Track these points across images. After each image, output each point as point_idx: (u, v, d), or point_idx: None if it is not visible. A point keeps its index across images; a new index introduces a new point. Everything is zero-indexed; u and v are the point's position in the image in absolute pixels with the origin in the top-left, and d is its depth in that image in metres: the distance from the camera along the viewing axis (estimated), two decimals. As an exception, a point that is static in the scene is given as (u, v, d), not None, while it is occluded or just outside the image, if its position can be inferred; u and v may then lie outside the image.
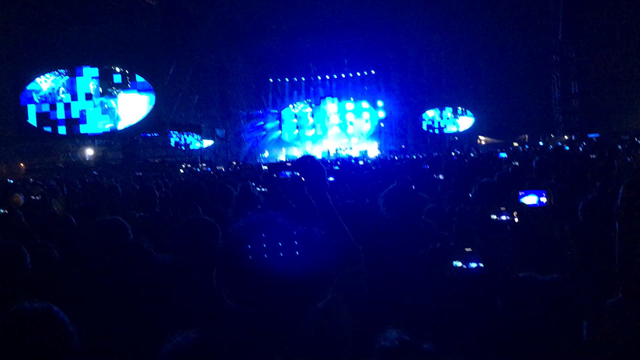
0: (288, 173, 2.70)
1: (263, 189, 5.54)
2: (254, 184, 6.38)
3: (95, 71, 32.08)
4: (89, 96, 31.90)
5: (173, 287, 2.73)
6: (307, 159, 2.45)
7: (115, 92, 31.79)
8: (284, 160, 32.01)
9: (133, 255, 3.02)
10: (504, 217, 3.18)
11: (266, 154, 44.07)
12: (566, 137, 30.67)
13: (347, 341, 1.95)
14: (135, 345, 2.52)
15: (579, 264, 2.78)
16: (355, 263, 2.28)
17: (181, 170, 20.74)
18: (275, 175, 2.51)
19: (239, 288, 1.83)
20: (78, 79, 32.13)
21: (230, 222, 2.01)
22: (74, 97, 32.04)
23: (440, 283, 2.63)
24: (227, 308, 1.91)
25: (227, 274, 1.87)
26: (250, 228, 1.86)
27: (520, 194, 3.84)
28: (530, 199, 3.77)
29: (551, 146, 20.55)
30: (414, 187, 4.92)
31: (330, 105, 46.09)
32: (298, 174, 2.49)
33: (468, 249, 2.51)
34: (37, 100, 32.18)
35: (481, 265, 2.47)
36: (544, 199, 3.77)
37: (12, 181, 16.19)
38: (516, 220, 3.16)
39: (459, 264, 2.48)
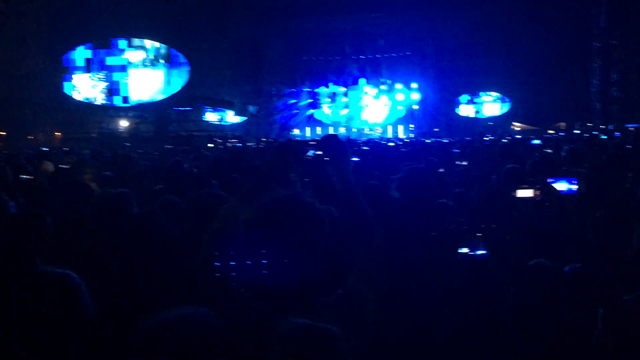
0: (311, 152, 2.66)
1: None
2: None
3: (130, 44, 32.33)
4: (123, 68, 32.20)
5: (182, 260, 2.71)
6: (331, 138, 2.42)
7: (150, 65, 32.03)
8: (309, 138, 31.99)
9: (141, 227, 3.01)
10: (524, 194, 3.11)
11: (297, 132, 44.04)
12: (603, 127, 29.98)
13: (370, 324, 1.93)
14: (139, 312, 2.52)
15: (600, 255, 2.69)
16: (374, 243, 2.25)
17: (210, 145, 20.82)
18: (300, 153, 2.48)
19: (261, 267, 1.80)
20: (114, 50, 32.43)
21: (257, 196, 1.98)
22: (109, 69, 32.38)
23: (448, 267, 2.59)
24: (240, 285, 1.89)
25: (248, 249, 1.83)
26: (277, 205, 1.83)
27: (549, 180, 3.75)
28: (560, 186, 3.67)
29: (587, 135, 20.12)
30: (439, 170, 4.84)
31: (364, 86, 45.78)
32: (321, 152, 2.45)
33: (477, 235, 2.47)
34: (72, 72, 32.61)
35: (485, 252, 2.43)
36: (574, 187, 3.67)
37: (46, 149, 16.47)
38: (538, 198, 3.09)
39: (465, 250, 2.44)
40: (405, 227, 3.24)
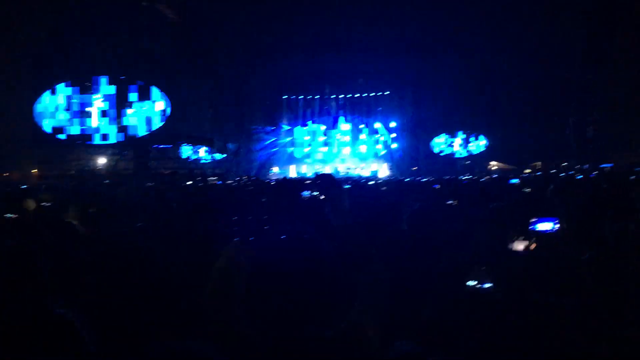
0: (307, 192, 2.71)
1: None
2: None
3: (111, 81, 32.34)
4: (104, 106, 32.15)
5: (181, 295, 2.71)
6: (329, 179, 2.46)
7: (130, 103, 32.01)
8: (300, 177, 32.19)
9: (139, 262, 3.00)
10: (520, 246, 3.21)
11: (276, 170, 44.14)
12: (579, 166, 30.50)
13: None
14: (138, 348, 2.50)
15: (594, 291, 2.75)
16: (374, 269, 2.28)
17: (189, 182, 20.75)
18: (296, 192, 2.52)
19: (266, 301, 1.81)
20: (94, 88, 32.39)
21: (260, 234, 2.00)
22: (89, 107, 32.30)
23: (455, 300, 2.63)
24: (245, 322, 1.90)
25: (255, 288, 1.84)
26: (283, 242, 1.85)
27: (532, 221, 3.86)
28: (544, 226, 3.79)
29: (563, 174, 20.44)
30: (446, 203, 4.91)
31: (343, 125, 46.21)
32: (317, 192, 2.50)
33: (482, 269, 2.53)
34: (53, 109, 32.44)
35: (492, 285, 2.49)
36: (557, 226, 3.79)
37: (25, 186, 16.28)
38: (532, 247, 3.19)
39: (473, 282, 2.50)
40: (413, 262, 3.29)
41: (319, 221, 2.76)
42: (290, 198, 2.62)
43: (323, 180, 2.45)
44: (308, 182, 2.59)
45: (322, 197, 2.44)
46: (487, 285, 2.50)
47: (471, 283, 2.51)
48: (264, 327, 1.78)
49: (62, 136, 32.22)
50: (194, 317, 2.48)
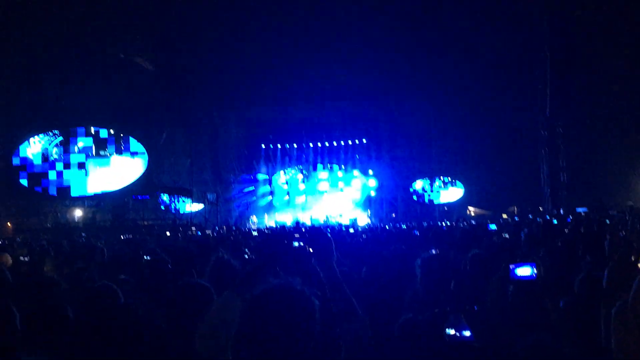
0: (296, 243, 2.75)
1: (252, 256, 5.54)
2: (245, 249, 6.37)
3: (88, 132, 32.32)
4: (81, 157, 32.03)
5: (168, 350, 2.71)
6: (318, 231, 2.51)
7: (107, 154, 31.96)
8: (286, 226, 32.04)
9: (126, 318, 3.01)
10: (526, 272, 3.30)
11: (255, 219, 44.00)
12: (554, 211, 30.90)
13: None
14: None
15: (570, 336, 2.80)
16: (361, 332, 2.31)
17: (168, 234, 20.60)
18: (285, 243, 2.55)
19: (257, 353, 1.83)
20: (71, 139, 32.32)
21: (246, 286, 2.03)
22: (67, 159, 32.14)
23: (436, 350, 2.66)
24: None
25: (245, 339, 1.86)
26: (272, 293, 1.89)
27: (511, 266, 3.92)
28: (524, 271, 3.84)
29: (539, 219, 20.70)
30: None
31: (321, 173, 46.41)
32: (305, 244, 2.54)
33: (461, 317, 2.57)
34: (28, 161, 32.23)
35: (470, 334, 2.53)
36: (535, 271, 3.85)
37: (1, 241, 16.05)
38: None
39: (452, 331, 2.54)
40: (397, 310, 3.33)
41: (307, 273, 2.79)
42: (278, 249, 2.66)
43: (310, 232, 2.50)
44: (296, 234, 2.64)
45: (310, 249, 2.49)
46: (465, 333, 2.54)
47: (450, 332, 2.54)
48: None
49: (38, 188, 31.93)
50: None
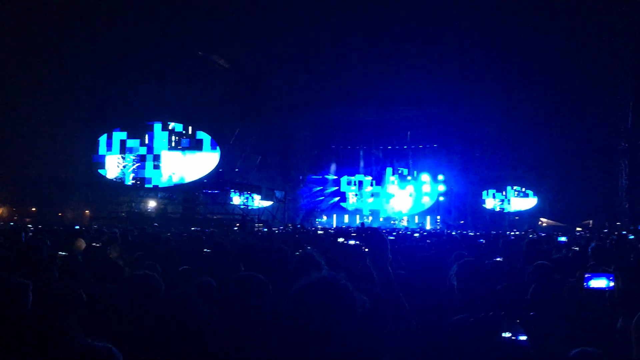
0: (352, 242, 2.75)
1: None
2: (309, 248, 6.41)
3: (164, 127, 33.30)
4: (156, 150, 33.05)
5: (219, 343, 2.74)
6: (374, 232, 2.50)
7: (181, 148, 32.84)
8: (349, 227, 32.17)
9: (176, 308, 3.06)
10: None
11: (324, 219, 44.26)
12: (632, 227, 29.58)
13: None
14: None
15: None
16: (409, 334, 2.29)
17: (235, 229, 20.94)
18: (340, 241, 2.56)
19: (299, 345, 1.84)
20: (148, 133, 33.40)
21: (291, 281, 2.05)
22: (142, 152, 33.25)
23: (487, 353, 2.60)
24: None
25: (289, 333, 1.88)
26: (315, 287, 1.90)
27: (586, 276, 3.77)
28: (598, 282, 3.70)
29: (616, 233, 19.85)
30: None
31: (390, 176, 46.21)
32: (361, 243, 2.54)
33: (517, 322, 2.52)
34: (107, 153, 33.53)
35: (526, 338, 2.47)
36: (612, 283, 3.70)
37: (77, 227, 16.75)
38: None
39: (508, 334, 2.49)
40: (447, 313, 3.28)
41: (360, 271, 2.79)
42: (333, 247, 2.68)
43: (366, 232, 2.50)
44: (353, 233, 2.64)
45: (366, 248, 2.48)
46: (522, 338, 2.49)
47: (506, 335, 2.50)
48: None
49: (114, 179, 33.16)
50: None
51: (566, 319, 3.70)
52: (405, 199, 45.70)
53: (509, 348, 2.49)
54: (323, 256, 3.24)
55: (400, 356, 2.13)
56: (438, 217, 43.33)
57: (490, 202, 42.45)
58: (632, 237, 15.66)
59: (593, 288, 3.74)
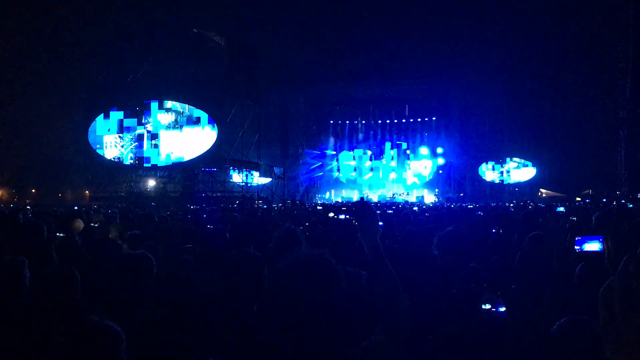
0: (342, 216, 2.75)
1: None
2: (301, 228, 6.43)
3: (161, 106, 33.15)
4: (154, 129, 32.95)
5: (214, 317, 2.77)
6: (362, 205, 2.49)
7: (179, 126, 32.74)
8: (339, 202, 32.26)
9: (170, 285, 3.09)
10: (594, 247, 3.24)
11: (326, 195, 44.34)
12: (631, 195, 29.65)
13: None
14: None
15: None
16: (400, 308, 2.30)
17: (235, 206, 21.01)
18: (330, 216, 2.56)
19: (285, 322, 1.86)
20: (145, 112, 33.26)
21: (276, 258, 2.06)
22: (141, 131, 33.15)
23: (469, 323, 2.64)
24: (269, 342, 1.95)
25: (273, 308, 1.90)
26: (301, 264, 1.91)
27: (577, 239, 3.78)
28: (591, 246, 3.71)
29: (615, 203, 19.92)
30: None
31: (389, 150, 46.19)
32: (351, 217, 2.54)
33: (497, 294, 2.55)
34: (105, 133, 33.42)
35: (505, 309, 2.51)
36: (603, 245, 3.72)
37: (76, 207, 16.81)
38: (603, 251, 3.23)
39: (488, 306, 2.52)
40: (434, 286, 3.31)
41: (349, 246, 2.80)
42: (324, 222, 2.68)
43: (356, 206, 2.49)
44: (344, 208, 2.65)
45: (356, 223, 2.48)
46: (501, 309, 2.51)
47: (485, 307, 2.52)
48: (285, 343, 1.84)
49: (113, 159, 33.12)
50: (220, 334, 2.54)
51: (555, 287, 3.72)
52: (405, 172, 45.77)
53: (488, 319, 2.52)
54: (314, 231, 3.28)
55: (390, 332, 2.15)
56: (436, 190, 43.35)
57: (490, 174, 42.44)
58: (631, 205, 15.73)
59: (586, 251, 3.76)
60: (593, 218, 7.81)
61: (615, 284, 1.22)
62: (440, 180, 44.16)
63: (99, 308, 3.06)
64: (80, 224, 7.99)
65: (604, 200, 25.67)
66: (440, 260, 3.67)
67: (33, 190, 34.11)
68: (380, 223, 2.48)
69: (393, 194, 42.01)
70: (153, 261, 3.54)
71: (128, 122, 33.34)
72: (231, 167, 33.68)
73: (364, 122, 46.31)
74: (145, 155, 33.00)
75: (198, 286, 3.41)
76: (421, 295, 2.90)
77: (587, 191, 34.72)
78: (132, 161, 33.08)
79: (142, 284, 3.36)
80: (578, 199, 30.26)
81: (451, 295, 2.95)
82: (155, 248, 5.32)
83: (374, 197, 40.67)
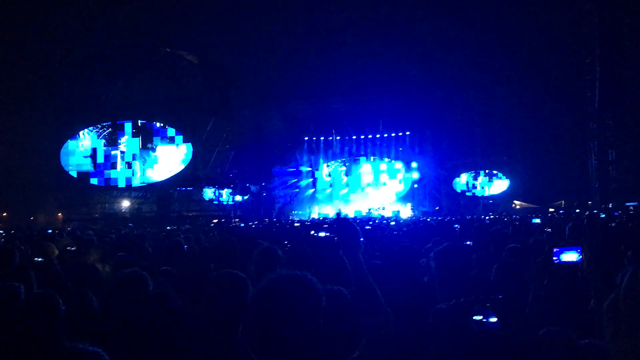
0: (323, 233, 2.77)
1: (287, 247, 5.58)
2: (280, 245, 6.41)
3: (135, 125, 32.94)
4: (128, 149, 32.69)
5: (197, 339, 2.76)
6: (344, 222, 2.51)
7: (154, 147, 32.54)
8: (315, 219, 32.19)
9: (156, 306, 3.07)
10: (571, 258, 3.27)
11: (307, 210, 44.22)
12: (603, 205, 30.16)
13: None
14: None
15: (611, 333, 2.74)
16: (384, 325, 2.31)
17: (212, 225, 20.87)
18: (312, 233, 2.57)
19: (267, 344, 1.86)
20: (118, 133, 33.01)
21: (255, 278, 2.06)
22: (115, 151, 32.86)
23: (461, 337, 2.66)
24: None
25: (254, 330, 1.90)
26: (280, 284, 1.91)
27: (555, 250, 3.83)
28: (569, 256, 3.76)
29: (587, 213, 20.23)
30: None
31: (364, 165, 46.31)
32: (332, 234, 2.56)
33: (488, 305, 2.57)
34: (77, 153, 33.07)
35: (496, 320, 2.53)
36: (581, 256, 3.78)
37: (50, 231, 16.53)
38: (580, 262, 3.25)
39: (479, 317, 2.54)
40: (421, 298, 3.32)
41: (331, 263, 2.81)
42: (307, 240, 2.69)
43: (338, 223, 2.52)
44: (325, 225, 2.66)
45: (337, 240, 2.50)
46: (492, 320, 2.54)
47: (477, 318, 2.55)
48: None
49: (88, 180, 32.75)
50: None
51: (535, 298, 3.77)
52: (380, 187, 45.89)
53: (480, 331, 2.55)
54: (292, 250, 3.29)
55: (373, 348, 2.16)
56: (408, 204, 43.49)
57: (464, 187, 42.79)
58: (603, 215, 15.98)
59: (564, 262, 3.81)
60: (566, 229, 7.94)
61: (620, 299, 1.25)
62: (416, 194, 44.36)
63: (85, 333, 3.03)
64: (53, 249, 7.88)
65: (577, 210, 26.05)
66: (436, 274, 3.68)
67: (4, 214, 33.46)
68: (362, 239, 2.50)
69: (369, 209, 42.04)
70: (148, 279, 3.51)
71: (100, 142, 33.04)
72: (206, 186, 33.52)
73: (338, 137, 46.37)
74: (119, 175, 32.71)
75: (181, 308, 3.39)
76: (405, 310, 2.92)
77: (559, 202, 35.23)
78: (105, 182, 32.76)
79: (138, 305, 3.32)
80: (551, 209, 30.68)
81: (442, 309, 2.98)
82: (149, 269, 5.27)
83: (349, 213, 40.69)
